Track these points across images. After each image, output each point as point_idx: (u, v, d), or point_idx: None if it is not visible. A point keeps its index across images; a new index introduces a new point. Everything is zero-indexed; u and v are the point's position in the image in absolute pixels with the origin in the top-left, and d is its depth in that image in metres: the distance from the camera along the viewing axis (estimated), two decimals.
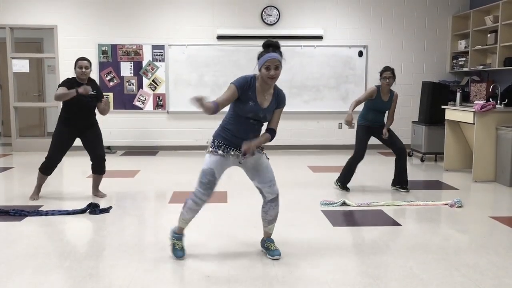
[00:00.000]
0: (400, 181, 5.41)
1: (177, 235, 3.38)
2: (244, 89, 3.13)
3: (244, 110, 3.14)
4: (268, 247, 3.40)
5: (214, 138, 3.26)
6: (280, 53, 3.13)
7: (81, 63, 4.81)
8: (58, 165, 4.98)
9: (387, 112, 5.44)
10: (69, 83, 4.80)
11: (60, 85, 4.81)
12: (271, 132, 3.28)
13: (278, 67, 3.09)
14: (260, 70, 3.12)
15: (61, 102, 4.86)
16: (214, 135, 3.28)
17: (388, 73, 5.25)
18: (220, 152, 3.18)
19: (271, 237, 3.47)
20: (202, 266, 3.23)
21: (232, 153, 3.20)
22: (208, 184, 3.20)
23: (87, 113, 4.88)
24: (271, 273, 3.10)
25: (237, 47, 8.32)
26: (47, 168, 4.93)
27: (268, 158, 3.36)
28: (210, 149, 3.23)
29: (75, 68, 4.83)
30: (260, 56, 3.13)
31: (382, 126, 5.38)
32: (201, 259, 3.35)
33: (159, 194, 5.33)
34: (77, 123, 4.85)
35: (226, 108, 3.26)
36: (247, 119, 3.17)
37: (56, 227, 4.08)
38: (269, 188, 3.30)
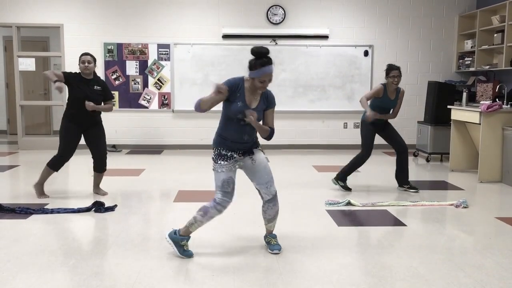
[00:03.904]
0: (402, 180, 5.40)
1: (186, 237, 3.38)
2: (233, 90, 3.20)
3: (233, 110, 3.20)
4: (269, 242, 3.50)
5: (215, 147, 3.34)
6: (271, 60, 3.19)
7: (84, 57, 4.85)
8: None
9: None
10: (71, 75, 4.86)
11: (63, 72, 4.91)
12: (270, 129, 3.36)
13: (271, 79, 3.21)
14: (253, 78, 3.18)
15: (67, 98, 4.91)
16: (213, 144, 3.37)
17: (396, 72, 5.17)
18: (226, 162, 3.27)
19: (274, 232, 3.56)
20: (207, 264, 3.23)
21: (236, 156, 3.29)
22: (232, 192, 3.30)
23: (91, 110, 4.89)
24: (275, 272, 3.10)
25: (242, 46, 8.31)
26: (57, 165, 4.96)
27: (268, 161, 3.43)
28: (217, 161, 3.28)
29: (79, 63, 4.87)
30: (253, 66, 3.17)
31: (386, 123, 5.37)
32: (206, 257, 3.36)
33: (164, 193, 5.34)
34: (81, 119, 4.87)
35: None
36: (238, 120, 3.22)
37: (62, 225, 4.10)
38: (266, 189, 3.37)
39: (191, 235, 3.40)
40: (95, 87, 4.90)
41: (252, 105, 3.24)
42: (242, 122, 3.22)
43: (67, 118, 4.90)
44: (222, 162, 3.26)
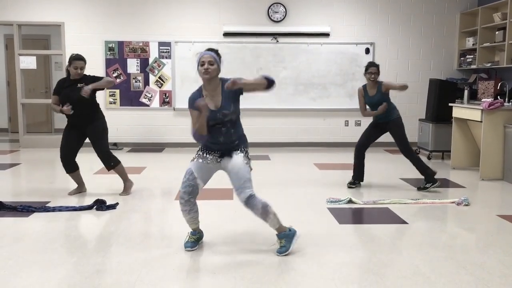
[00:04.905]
0: (425, 177, 5.36)
1: (191, 231, 3.55)
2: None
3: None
4: (278, 243, 3.42)
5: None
6: (217, 54, 3.36)
7: (77, 63, 4.80)
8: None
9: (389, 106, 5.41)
10: (60, 86, 4.88)
11: (53, 92, 4.94)
12: (267, 78, 3.28)
13: (212, 62, 3.26)
14: (198, 71, 3.30)
15: None
16: None
17: (374, 69, 5.29)
18: (197, 156, 3.40)
19: (282, 232, 3.43)
20: (208, 262, 3.24)
21: (209, 157, 3.38)
22: (186, 182, 3.35)
23: (81, 108, 4.82)
24: (276, 270, 3.10)
25: (243, 44, 8.31)
26: (64, 167, 5.03)
27: (249, 159, 3.36)
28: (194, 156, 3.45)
29: (69, 65, 4.82)
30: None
31: (388, 122, 5.35)
32: (206, 256, 3.36)
33: (165, 191, 5.35)
34: (74, 121, 4.91)
35: None
36: (214, 124, 3.30)
37: (63, 223, 4.11)
38: (238, 195, 3.28)
39: (202, 233, 3.61)
40: (78, 84, 4.79)
41: (217, 105, 3.27)
42: (217, 125, 3.29)
43: (67, 121, 4.97)
44: (195, 157, 3.40)
